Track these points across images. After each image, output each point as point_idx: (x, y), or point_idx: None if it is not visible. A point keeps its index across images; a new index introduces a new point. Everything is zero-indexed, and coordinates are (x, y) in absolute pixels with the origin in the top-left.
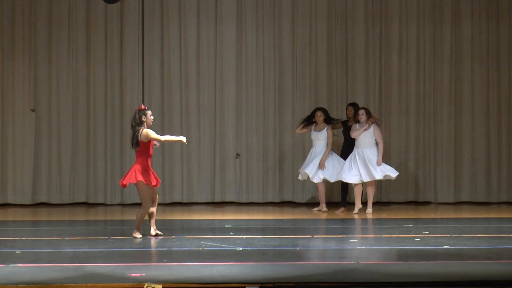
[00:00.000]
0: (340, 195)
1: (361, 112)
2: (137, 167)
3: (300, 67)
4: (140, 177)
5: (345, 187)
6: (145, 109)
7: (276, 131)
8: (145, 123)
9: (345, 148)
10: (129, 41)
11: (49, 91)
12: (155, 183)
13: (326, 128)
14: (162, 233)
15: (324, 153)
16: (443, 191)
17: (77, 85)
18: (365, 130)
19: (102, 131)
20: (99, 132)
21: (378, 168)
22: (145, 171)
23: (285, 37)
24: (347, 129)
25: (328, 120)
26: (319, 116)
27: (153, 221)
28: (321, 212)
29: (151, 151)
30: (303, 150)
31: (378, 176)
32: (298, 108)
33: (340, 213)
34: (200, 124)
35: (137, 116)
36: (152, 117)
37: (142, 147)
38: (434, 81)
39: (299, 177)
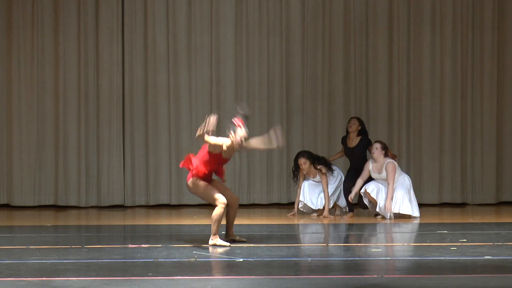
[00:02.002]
0: (345, 199)
1: (377, 146)
2: None
3: (312, 39)
4: None
5: (348, 190)
6: None
7: (283, 119)
8: None
9: (353, 171)
10: (105, 10)
11: (8, 70)
12: None
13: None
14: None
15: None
16: (484, 190)
17: (43, 63)
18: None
19: (74, 119)
20: (70, 120)
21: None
22: None
23: (293, 3)
24: (348, 150)
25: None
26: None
27: None
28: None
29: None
30: (314, 143)
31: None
32: (308, 90)
33: (348, 218)
34: (192, 110)
35: None
36: None
37: None
38: (473, 56)
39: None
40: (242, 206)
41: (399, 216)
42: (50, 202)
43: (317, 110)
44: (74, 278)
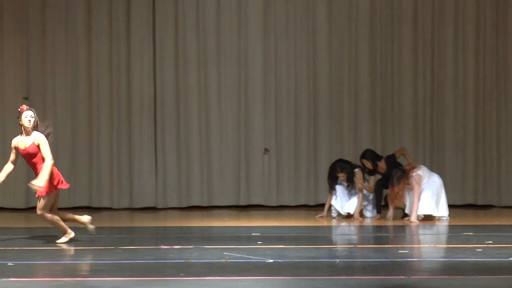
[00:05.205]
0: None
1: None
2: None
3: (338, 40)
4: None
5: (380, 191)
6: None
7: (310, 120)
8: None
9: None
10: (137, 14)
11: (42, 76)
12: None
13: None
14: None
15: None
16: (508, 192)
17: (76, 68)
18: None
19: (106, 122)
20: (103, 124)
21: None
22: None
23: (319, 5)
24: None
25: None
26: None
27: None
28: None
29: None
30: (341, 145)
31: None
32: (335, 89)
33: (376, 220)
34: (222, 112)
35: None
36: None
37: None
38: (497, 57)
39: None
40: (270, 208)
41: (427, 218)
42: (84, 203)
43: (343, 112)
44: (108, 279)
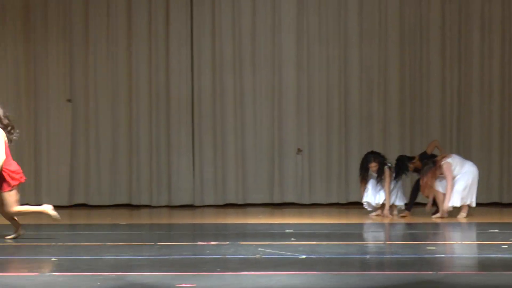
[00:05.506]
0: (410, 196)
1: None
2: None
3: (368, 44)
4: None
5: (416, 190)
6: None
7: (341, 121)
8: None
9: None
10: (175, 19)
11: (85, 78)
12: None
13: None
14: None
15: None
16: None
17: (116, 71)
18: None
19: (145, 123)
20: (142, 125)
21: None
22: None
23: (350, 12)
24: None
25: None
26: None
27: None
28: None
29: None
30: (371, 146)
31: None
32: (365, 93)
33: (404, 216)
34: (256, 114)
35: None
36: None
37: None
38: None
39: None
40: (303, 206)
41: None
42: (124, 201)
43: (372, 114)
44: (148, 273)
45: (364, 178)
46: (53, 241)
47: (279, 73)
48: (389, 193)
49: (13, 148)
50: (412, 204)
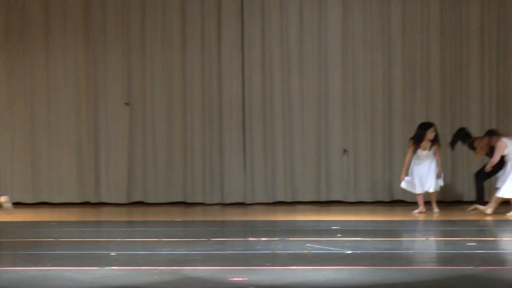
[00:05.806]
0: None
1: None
2: None
3: (411, 48)
4: None
5: (481, 182)
6: None
7: (385, 125)
8: None
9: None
10: (227, 27)
11: (143, 83)
12: None
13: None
14: None
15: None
16: None
17: (172, 76)
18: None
19: (199, 125)
20: (196, 126)
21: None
22: None
23: (394, 18)
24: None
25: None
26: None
27: None
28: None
29: None
30: None
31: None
32: (408, 96)
33: (472, 211)
34: (304, 115)
35: None
36: None
37: None
38: None
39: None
40: (349, 203)
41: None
42: (179, 199)
43: (415, 115)
44: (201, 268)
45: (417, 144)
46: (112, 236)
47: (325, 76)
48: (441, 162)
49: (75, 149)
50: (481, 199)
